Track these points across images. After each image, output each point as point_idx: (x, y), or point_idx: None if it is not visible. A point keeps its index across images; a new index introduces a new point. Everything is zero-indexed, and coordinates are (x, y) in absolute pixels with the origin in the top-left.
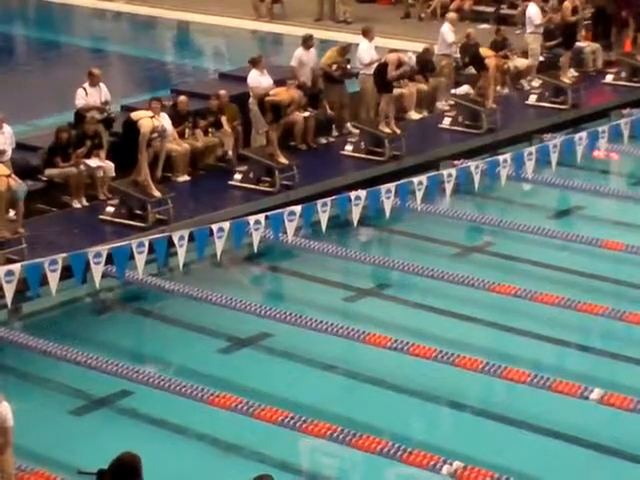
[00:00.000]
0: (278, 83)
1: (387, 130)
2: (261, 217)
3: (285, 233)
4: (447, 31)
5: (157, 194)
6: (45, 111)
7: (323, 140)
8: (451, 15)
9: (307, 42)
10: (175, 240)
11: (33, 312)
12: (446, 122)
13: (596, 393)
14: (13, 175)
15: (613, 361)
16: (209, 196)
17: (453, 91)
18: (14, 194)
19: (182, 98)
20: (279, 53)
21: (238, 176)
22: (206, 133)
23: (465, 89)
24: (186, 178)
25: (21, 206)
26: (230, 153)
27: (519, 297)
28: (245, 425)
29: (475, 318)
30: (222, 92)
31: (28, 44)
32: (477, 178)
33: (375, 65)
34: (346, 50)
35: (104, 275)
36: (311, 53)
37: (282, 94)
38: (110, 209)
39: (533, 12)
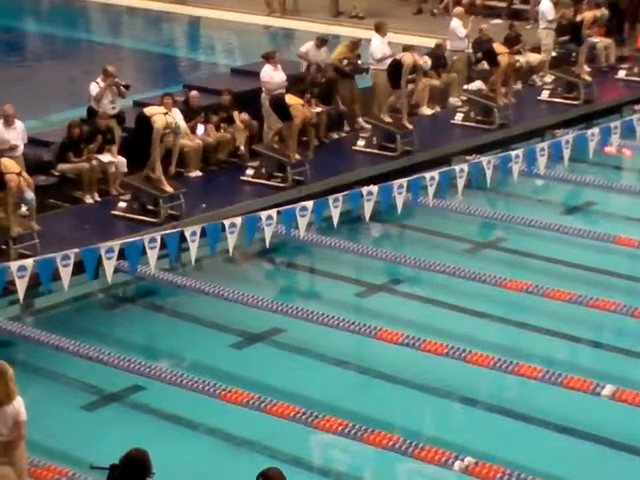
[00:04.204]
0: (290, 79)
1: (388, 119)
2: (273, 212)
3: (297, 228)
4: (457, 26)
5: (169, 189)
6: (57, 106)
7: (335, 135)
8: (457, 10)
9: (321, 43)
10: (187, 235)
11: (45, 307)
12: (458, 117)
13: (608, 389)
14: (24, 173)
15: (625, 357)
16: (221, 191)
17: (465, 87)
18: (24, 200)
19: (194, 93)
20: (291, 48)
21: (250, 171)
22: (218, 128)
23: (478, 85)
24: (198, 173)
25: (33, 205)
26: (242, 148)
27: (531, 293)
28: (257, 420)
29: (487, 314)
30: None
31: (40, 39)
32: (489, 174)
33: (388, 60)
34: (356, 45)
35: (116, 270)
36: (322, 52)
37: (298, 110)
38: (122, 204)
39: (546, 7)
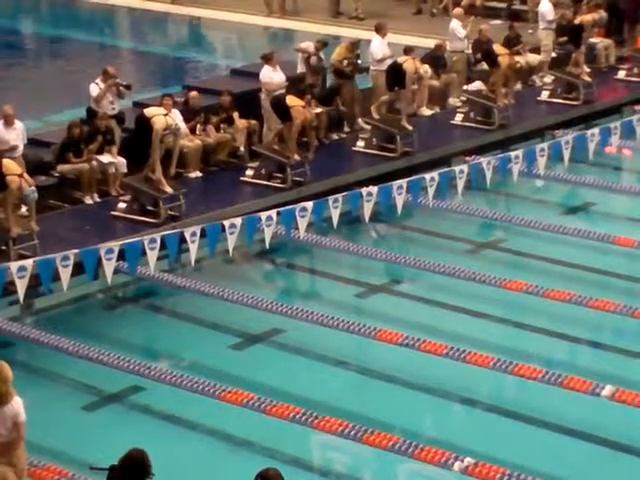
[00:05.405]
0: (289, 80)
1: (376, 116)
2: (273, 213)
3: (297, 229)
4: (456, 27)
5: (169, 190)
6: (57, 107)
7: (335, 136)
8: (456, 10)
9: (321, 47)
10: (187, 236)
11: (45, 308)
12: (458, 118)
13: (607, 390)
14: (25, 174)
15: (625, 358)
16: (221, 192)
17: (465, 87)
18: (24, 198)
19: (194, 94)
20: (291, 49)
21: (250, 172)
22: (218, 129)
23: (477, 85)
24: (198, 174)
25: (32, 206)
26: (242, 149)
27: (531, 293)
28: (257, 421)
29: (487, 314)
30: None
31: (40, 40)
32: (489, 174)
33: (388, 61)
34: (355, 46)
35: (116, 271)
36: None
37: (298, 112)
38: (122, 205)
39: (545, 8)
